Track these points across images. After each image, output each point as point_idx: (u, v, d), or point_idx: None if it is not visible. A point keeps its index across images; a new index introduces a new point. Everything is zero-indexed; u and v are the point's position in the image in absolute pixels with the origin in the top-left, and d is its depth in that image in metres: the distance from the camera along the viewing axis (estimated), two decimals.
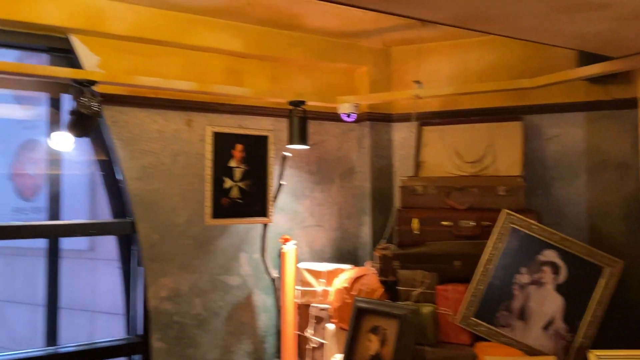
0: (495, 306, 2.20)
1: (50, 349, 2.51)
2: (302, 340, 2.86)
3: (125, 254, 2.73)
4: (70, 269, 6.07)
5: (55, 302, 2.62)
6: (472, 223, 2.43)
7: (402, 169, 3.14)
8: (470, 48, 3.06)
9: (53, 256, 2.64)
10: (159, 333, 2.60)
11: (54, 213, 2.60)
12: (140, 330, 2.65)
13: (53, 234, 2.55)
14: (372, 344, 2.22)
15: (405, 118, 3.12)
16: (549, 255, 2.20)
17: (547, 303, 2.16)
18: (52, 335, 2.58)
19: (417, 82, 2.80)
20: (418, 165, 2.98)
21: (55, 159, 2.60)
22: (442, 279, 2.38)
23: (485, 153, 2.82)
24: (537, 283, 2.20)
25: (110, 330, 2.80)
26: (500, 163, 2.77)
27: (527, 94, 2.84)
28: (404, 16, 2.07)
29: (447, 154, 2.96)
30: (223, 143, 2.62)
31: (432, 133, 3.05)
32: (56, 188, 2.61)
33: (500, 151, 2.79)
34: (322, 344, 2.73)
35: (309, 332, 2.81)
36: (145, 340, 2.60)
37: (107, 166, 2.66)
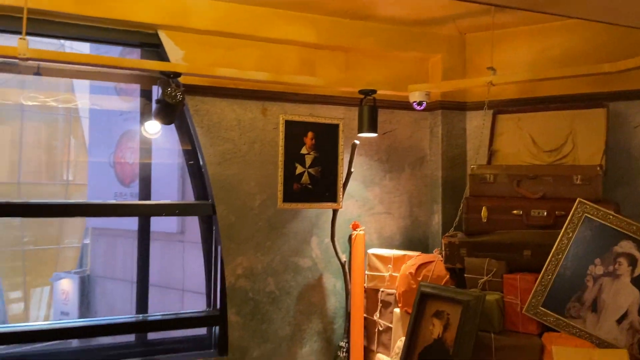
0: (566, 297, 2.14)
1: (140, 317, 2.78)
2: (369, 323, 2.94)
3: (206, 234, 2.95)
4: (161, 251, 6.58)
5: (146, 277, 2.89)
6: (544, 212, 2.37)
7: (475, 158, 3.10)
8: (549, 33, 2.95)
9: (144, 236, 2.90)
10: (235, 308, 2.78)
11: (146, 196, 2.85)
12: (218, 304, 2.85)
13: (143, 213, 2.80)
14: (435, 328, 2.25)
15: (479, 106, 3.06)
16: (626, 246, 2.10)
17: (622, 296, 2.07)
18: (142, 306, 2.86)
19: (491, 68, 2.75)
20: (491, 154, 2.93)
21: (147, 147, 2.85)
22: (511, 268, 2.34)
23: (564, 142, 2.72)
24: (612, 275, 2.10)
25: (196, 307, 3.04)
26: (581, 152, 2.66)
27: (611, 79, 2.70)
28: (473, 1, 2.07)
29: (522, 142, 2.89)
30: (295, 131, 2.74)
31: (507, 121, 2.99)
32: (148, 174, 2.86)
33: (581, 140, 2.68)
34: (388, 328, 2.79)
35: (376, 316, 2.88)
36: (223, 314, 2.80)
37: (192, 153, 2.87)
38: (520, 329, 2.21)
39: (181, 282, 6.16)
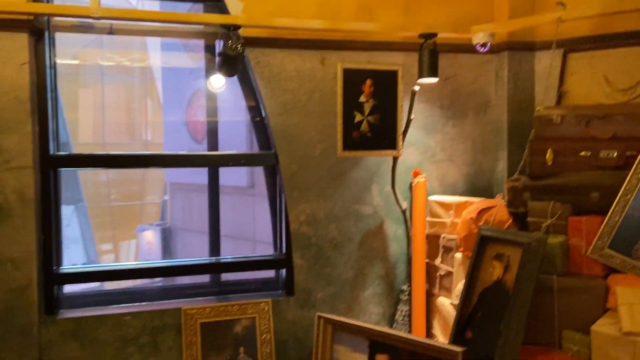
0: (633, 239, 2.07)
1: (214, 259, 2.99)
2: (430, 268, 2.98)
3: (271, 184, 3.08)
4: (232, 204, 6.87)
5: (217, 223, 3.06)
6: (614, 153, 2.27)
7: (544, 101, 2.98)
8: None
9: (214, 186, 3.06)
10: (299, 252, 2.92)
11: (214, 149, 3.00)
12: (284, 249, 3.00)
13: (211, 163, 2.96)
14: (495, 270, 2.26)
15: (548, 46, 2.91)
16: None
17: None
18: (215, 250, 3.06)
19: (560, 3, 2.60)
20: (561, 95, 2.81)
21: (214, 103, 2.96)
22: (576, 211, 2.28)
23: None
24: None
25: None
26: None
27: None
28: None
29: (595, 82, 2.75)
30: (353, 79, 2.75)
31: (579, 60, 2.84)
32: (215, 128, 3.00)
33: None
34: (449, 272, 2.82)
35: (437, 261, 2.92)
36: (289, 258, 2.95)
37: (255, 107, 2.97)
38: (584, 271, 2.17)
39: (252, 233, 6.45)
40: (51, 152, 2.62)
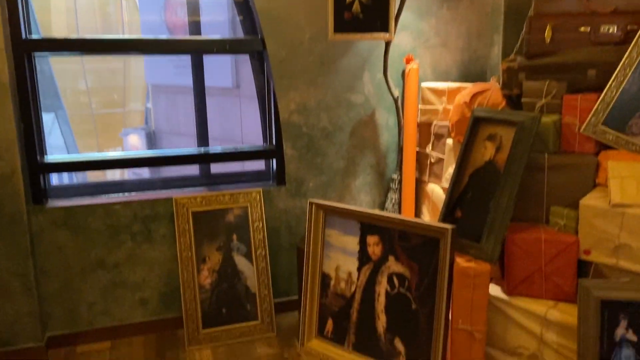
0: (627, 115, 2.04)
1: (202, 149, 2.94)
2: (421, 157, 2.97)
3: (258, 72, 2.96)
4: (218, 106, 6.73)
5: (203, 108, 2.98)
6: (614, 27, 2.19)
7: None
8: None
9: (199, 73, 2.94)
10: (290, 142, 2.88)
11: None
12: (274, 139, 2.95)
13: (194, 49, 2.82)
14: (487, 151, 2.25)
15: None
16: None
17: None
18: (203, 141, 3.00)
19: None
20: None
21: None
22: (573, 89, 2.23)
23: None
24: None
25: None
26: None
27: None
28: None
29: None
30: None
31: None
32: (197, 15, 2.83)
33: None
34: (440, 159, 2.82)
35: (428, 148, 2.90)
36: (279, 148, 2.91)
37: None
38: (576, 149, 2.17)
39: (239, 135, 6.39)
40: (23, 36, 2.46)
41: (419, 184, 3.00)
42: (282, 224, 2.94)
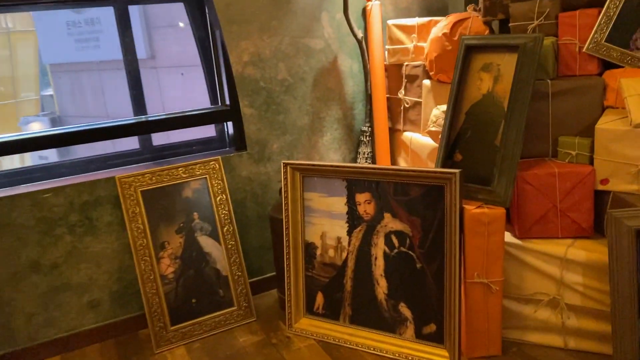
0: (630, 29, 1.88)
1: (142, 117, 2.49)
2: (393, 103, 2.71)
3: (199, 20, 2.53)
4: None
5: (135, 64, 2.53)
6: None
7: None
8: None
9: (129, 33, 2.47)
10: (247, 99, 2.50)
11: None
12: (227, 99, 2.56)
13: None
14: (483, 83, 2.01)
15: None
16: None
17: None
18: (140, 108, 2.55)
19: None
20: None
21: None
22: (567, 7, 2.04)
23: None
24: None
25: (181, 136, 2.70)
26: None
27: None
28: None
29: None
30: None
31: None
32: None
33: None
34: (416, 103, 2.57)
35: (401, 93, 2.64)
36: (235, 108, 2.52)
37: None
38: (577, 72, 1.99)
39: (161, 109, 5.82)
40: None
41: (393, 134, 2.75)
42: (248, 194, 2.58)
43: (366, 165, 2.09)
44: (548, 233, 1.95)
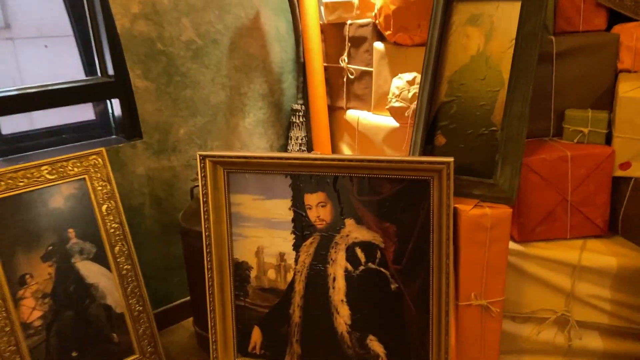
0: None
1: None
2: (332, 74, 2.16)
3: None
4: None
5: None
6: None
7: None
8: None
9: None
10: (139, 68, 1.80)
11: None
12: (110, 67, 1.84)
13: None
14: (471, 41, 1.53)
15: None
16: None
17: None
18: None
19: None
20: None
21: None
22: None
23: None
24: None
25: (49, 120, 2.01)
26: None
27: None
28: None
29: None
30: None
31: None
32: None
33: None
34: (363, 73, 2.04)
35: (343, 61, 2.09)
36: (123, 80, 1.81)
37: None
38: (580, 27, 1.57)
39: None
40: None
41: (333, 113, 2.20)
42: (146, 198, 1.90)
43: (321, 155, 1.53)
44: (554, 234, 1.53)
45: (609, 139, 1.49)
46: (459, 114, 1.52)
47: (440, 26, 1.54)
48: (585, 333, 1.55)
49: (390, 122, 1.90)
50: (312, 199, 1.57)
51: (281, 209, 1.60)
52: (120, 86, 1.82)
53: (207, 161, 1.60)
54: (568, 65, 1.51)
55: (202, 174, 1.60)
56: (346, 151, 2.18)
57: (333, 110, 2.19)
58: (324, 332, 1.61)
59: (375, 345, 1.57)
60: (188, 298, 2.04)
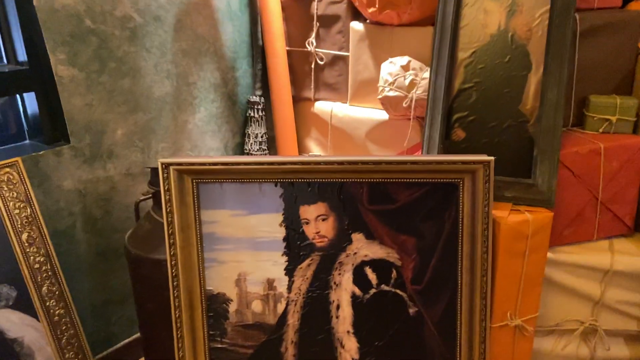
0: None
1: None
2: (297, 59, 1.85)
3: None
4: None
5: None
6: None
7: None
8: None
9: None
10: (63, 52, 1.37)
11: None
12: (23, 51, 1.39)
13: None
14: (490, 17, 1.30)
15: None
16: None
17: None
18: None
19: None
20: None
21: None
22: None
23: None
24: None
25: None
26: None
27: None
28: None
29: None
30: None
31: None
32: None
33: None
34: (335, 58, 1.75)
35: (311, 44, 1.79)
36: (40, 66, 1.38)
37: None
38: (595, 4, 1.41)
39: None
40: None
41: (297, 105, 1.89)
42: (77, 218, 1.48)
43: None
44: (582, 236, 1.37)
45: (634, 128, 1.35)
46: (479, 103, 1.29)
47: (456, 3, 1.29)
48: (611, 341, 1.41)
49: (375, 115, 1.64)
50: (310, 211, 1.27)
51: (269, 225, 1.28)
52: (37, 75, 1.38)
53: (171, 170, 1.23)
54: (590, 46, 1.35)
55: (166, 187, 1.24)
56: (315, 149, 1.89)
57: (297, 102, 1.88)
58: None
59: None
60: (135, 336, 1.65)
